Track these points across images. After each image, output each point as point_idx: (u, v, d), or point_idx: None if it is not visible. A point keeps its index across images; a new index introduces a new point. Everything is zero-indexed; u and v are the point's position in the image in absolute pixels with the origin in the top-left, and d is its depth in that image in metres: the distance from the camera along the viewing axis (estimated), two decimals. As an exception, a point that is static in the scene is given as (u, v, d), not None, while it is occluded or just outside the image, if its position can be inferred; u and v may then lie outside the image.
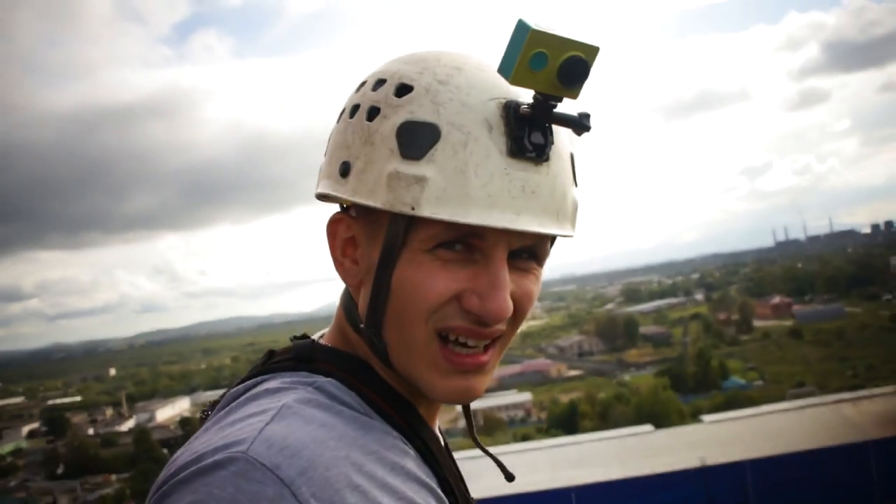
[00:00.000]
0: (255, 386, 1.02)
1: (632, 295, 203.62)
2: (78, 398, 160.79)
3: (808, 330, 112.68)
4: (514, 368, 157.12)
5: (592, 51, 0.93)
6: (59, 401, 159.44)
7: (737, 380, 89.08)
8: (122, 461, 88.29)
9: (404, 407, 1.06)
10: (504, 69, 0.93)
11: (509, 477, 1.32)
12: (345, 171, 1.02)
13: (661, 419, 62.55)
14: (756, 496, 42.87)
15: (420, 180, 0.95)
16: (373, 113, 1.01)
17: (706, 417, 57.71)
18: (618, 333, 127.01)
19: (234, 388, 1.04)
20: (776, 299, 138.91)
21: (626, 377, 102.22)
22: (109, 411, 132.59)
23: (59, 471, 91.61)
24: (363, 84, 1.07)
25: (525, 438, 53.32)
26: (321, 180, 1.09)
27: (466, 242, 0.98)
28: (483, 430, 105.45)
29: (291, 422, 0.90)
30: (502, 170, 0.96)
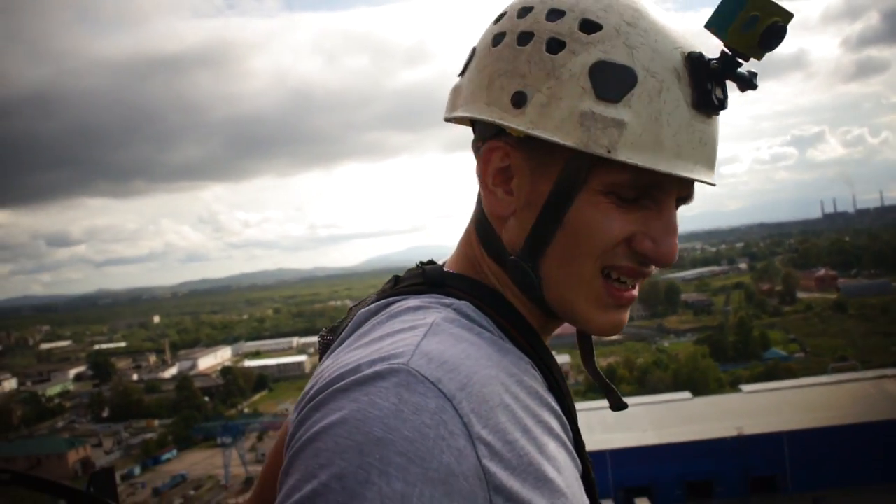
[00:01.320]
0: (387, 306, 1.03)
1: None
2: (123, 344, 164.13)
3: (852, 304, 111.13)
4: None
5: (789, 17, 0.97)
6: (104, 346, 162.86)
7: (777, 351, 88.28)
8: (165, 407, 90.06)
9: (534, 336, 1.07)
10: (719, 27, 0.98)
11: (619, 405, 1.29)
12: (520, 101, 1.00)
13: (700, 387, 62.42)
14: (793, 468, 42.86)
15: (619, 124, 0.96)
16: (554, 45, 1.00)
17: (745, 387, 57.78)
18: (659, 299, 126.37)
19: (365, 309, 1.05)
20: (821, 272, 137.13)
21: (666, 343, 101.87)
22: (153, 358, 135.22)
23: (105, 414, 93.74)
24: (527, 10, 1.03)
25: (562, 401, 53.58)
26: (467, 104, 1.07)
27: (642, 187, 1.00)
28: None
29: (444, 339, 0.91)
30: (688, 120, 0.99)
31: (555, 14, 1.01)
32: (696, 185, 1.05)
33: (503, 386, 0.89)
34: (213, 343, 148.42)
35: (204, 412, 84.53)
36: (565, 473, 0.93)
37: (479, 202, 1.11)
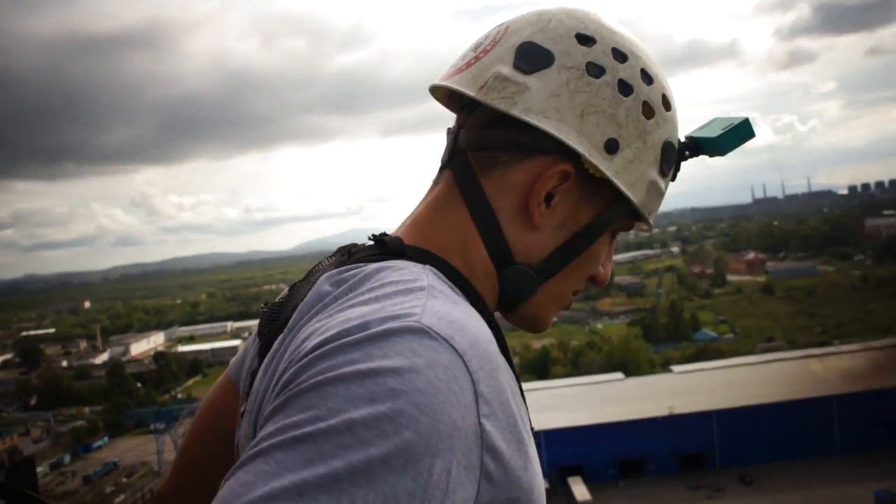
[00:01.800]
0: (358, 269, 1.03)
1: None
2: (52, 330, 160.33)
3: (780, 286, 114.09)
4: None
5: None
6: (32, 332, 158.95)
7: (708, 332, 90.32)
8: (96, 394, 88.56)
9: (492, 319, 1.07)
10: (722, 150, 1.16)
11: None
12: (612, 148, 1.07)
13: (632, 368, 63.48)
14: (721, 445, 43.92)
15: (662, 196, 1.15)
16: (646, 111, 1.09)
17: (676, 368, 58.88)
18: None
19: (330, 274, 1.05)
20: (751, 255, 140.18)
21: (599, 325, 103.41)
22: (83, 344, 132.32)
23: (33, 402, 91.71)
24: (623, 55, 1.10)
25: (497, 383, 53.99)
26: (548, 118, 1.07)
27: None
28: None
29: (444, 300, 0.94)
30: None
31: (647, 78, 1.10)
32: None
33: (497, 349, 0.92)
34: (145, 328, 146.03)
35: (136, 398, 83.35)
36: (532, 441, 0.95)
37: (481, 196, 1.10)
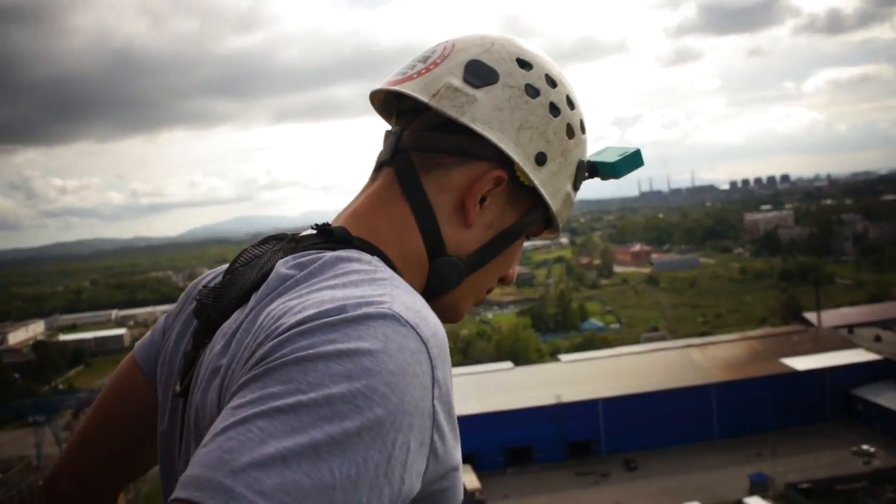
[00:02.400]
0: (316, 256, 1.11)
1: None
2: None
3: (664, 277, 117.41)
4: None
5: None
6: None
7: (595, 322, 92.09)
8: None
9: None
10: (617, 174, 1.33)
11: None
12: (540, 160, 1.22)
13: (521, 357, 64.19)
14: (606, 432, 44.95)
15: (572, 207, 1.32)
16: (569, 132, 1.26)
17: (564, 357, 59.94)
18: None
19: (287, 259, 1.12)
20: (637, 247, 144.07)
21: (489, 315, 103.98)
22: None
23: None
24: (552, 81, 1.25)
25: (388, 372, 53.83)
26: (490, 128, 1.20)
27: None
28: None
29: (405, 290, 1.03)
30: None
31: (570, 104, 1.27)
32: None
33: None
34: (24, 316, 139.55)
35: (14, 390, 79.93)
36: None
37: (422, 193, 1.21)
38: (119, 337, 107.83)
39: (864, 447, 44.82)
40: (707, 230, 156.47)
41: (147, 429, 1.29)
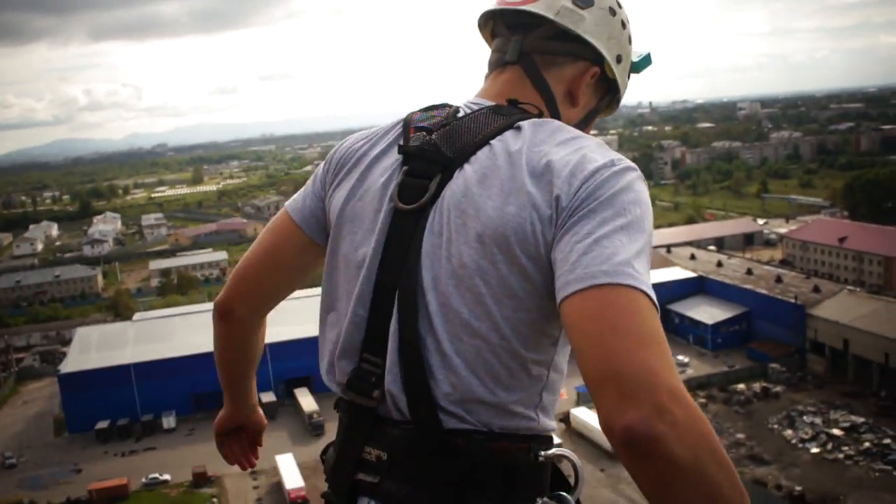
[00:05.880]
0: (545, 120, 1.56)
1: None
2: None
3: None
4: (209, 227, 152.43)
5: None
6: None
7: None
8: None
9: None
10: (637, 70, 1.79)
11: None
12: (619, 60, 1.69)
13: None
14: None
15: (626, 91, 1.80)
16: (630, 39, 1.72)
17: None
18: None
19: (519, 118, 1.54)
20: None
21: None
22: None
23: None
24: (619, 5, 1.70)
25: (220, 297, 52.64)
26: (595, 37, 1.64)
27: None
28: (177, 289, 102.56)
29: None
30: None
31: (627, 20, 1.73)
32: None
33: None
34: None
35: None
36: None
37: (546, 83, 1.64)
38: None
39: (679, 357, 47.82)
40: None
41: (299, 269, 1.76)
